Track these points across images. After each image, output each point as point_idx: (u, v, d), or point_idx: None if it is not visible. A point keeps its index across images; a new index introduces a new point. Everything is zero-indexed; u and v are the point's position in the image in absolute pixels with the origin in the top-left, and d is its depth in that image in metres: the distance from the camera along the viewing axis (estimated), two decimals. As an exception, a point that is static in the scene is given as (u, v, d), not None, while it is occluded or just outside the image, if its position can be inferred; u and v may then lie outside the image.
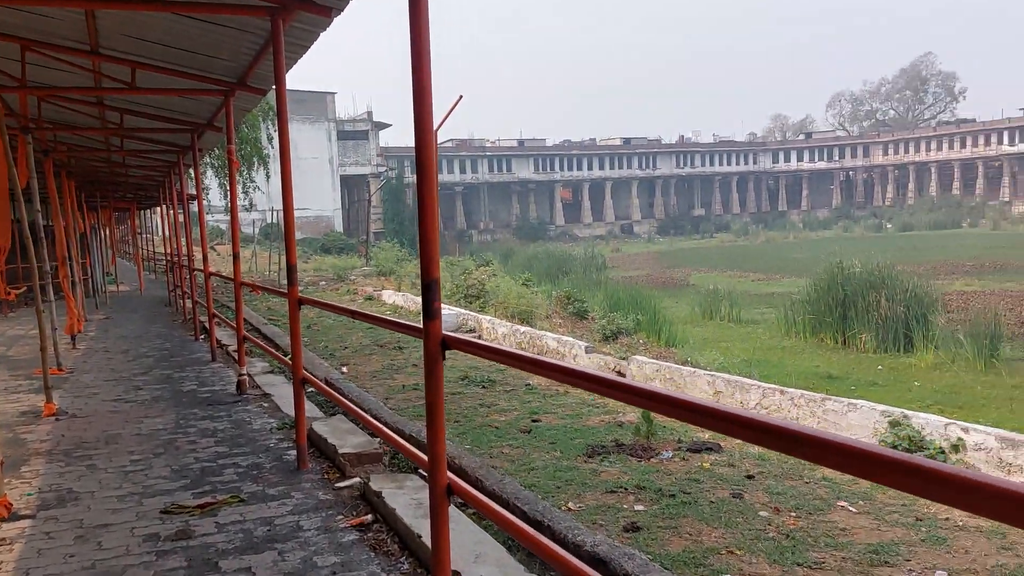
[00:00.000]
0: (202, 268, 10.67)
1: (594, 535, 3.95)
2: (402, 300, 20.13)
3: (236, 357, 8.78)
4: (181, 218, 15.02)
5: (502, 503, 4.51)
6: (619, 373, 11.10)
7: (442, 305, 2.87)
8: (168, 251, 19.47)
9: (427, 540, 3.16)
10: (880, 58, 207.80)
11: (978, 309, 16.20)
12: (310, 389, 5.94)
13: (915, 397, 11.71)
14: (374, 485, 4.58)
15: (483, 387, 8.81)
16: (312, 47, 5.82)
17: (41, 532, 4.25)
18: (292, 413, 5.79)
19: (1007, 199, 70.32)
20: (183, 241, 14.36)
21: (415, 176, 2.80)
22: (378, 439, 5.44)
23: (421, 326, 2.81)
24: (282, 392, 7.90)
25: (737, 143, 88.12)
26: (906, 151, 79.37)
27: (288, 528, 4.21)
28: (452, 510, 3.54)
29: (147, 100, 8.87)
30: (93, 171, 16.45)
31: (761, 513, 4.70)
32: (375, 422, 4.43)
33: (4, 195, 6.04)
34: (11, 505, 4.65)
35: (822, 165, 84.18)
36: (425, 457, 2.92)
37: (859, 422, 7.37)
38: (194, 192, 13.59)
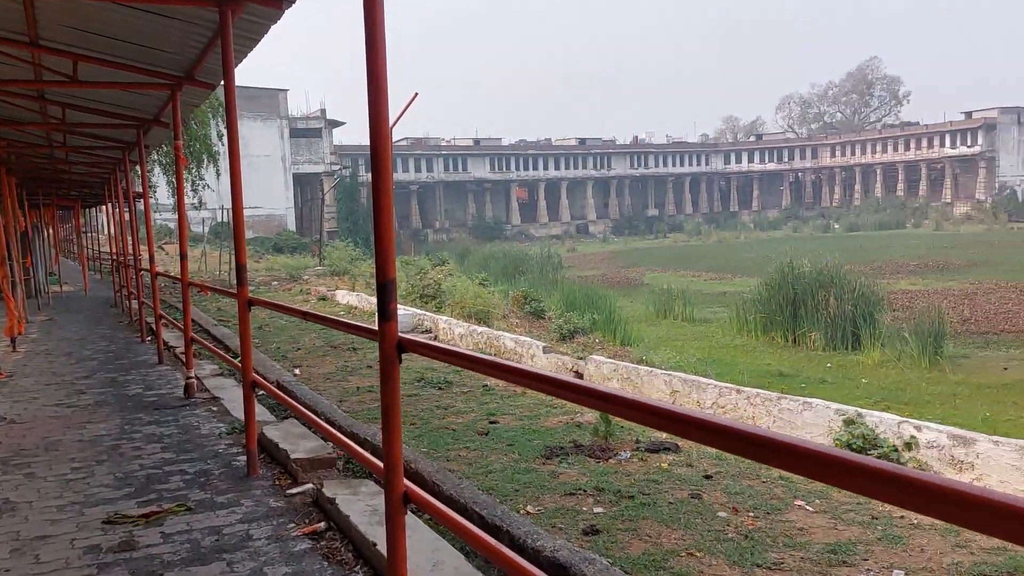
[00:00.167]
0: (149, 268, 10.38)
1: (554, 540, 3.89)
2: (356, 300, 19.88)
3: (184, 360, 8.54)
4: (127, 217, 14.61)
5: (459, 508, 4.43)
6: (577, 373, 11.09)
7: (398, 306, 2.78)
8: (114, 250, 18.94)
9: (383, 548, 3.07)
10: (827, 62, 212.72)
11: (922, 308, 16.62)
12: (261, 392, 5.79)
13: (863, 394, 11.95)
14: (327, 491, 4.46)
15: (440, 388, 8.71)
16: (263, 40, 5.65)
17: (-26, 546, 4.04)
18: (242, 417, 5.63)
19: (949, 200, 72.55)
20: (130, 240, 13.97)
21: (370, 174, 2.70)
22: (332, 443, 5.32)
23: (376, 328, 2.72)
24: (232, 395, 7.69)
25: (690, 144, 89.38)
26: (852, 153, 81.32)
27: (237, 537, 4.07)
28: (409, 516, 3.45)
29: (90, 94, 8.57)
30: (34, 168, 15.91)
31: (720, 513, 4.70)
32: (328, 427, 4.31)
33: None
34: (-58, 518, 4.42)
35: (772, 166, 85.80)
36: (381, 464, 2.82)
37: (814, 421, 7.46)
38: (141, 190, 13.23)
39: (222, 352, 7.99)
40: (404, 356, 2.70)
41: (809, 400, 7.83)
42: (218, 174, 25.90)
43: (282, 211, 57.55)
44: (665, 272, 34.88)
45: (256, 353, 10.57)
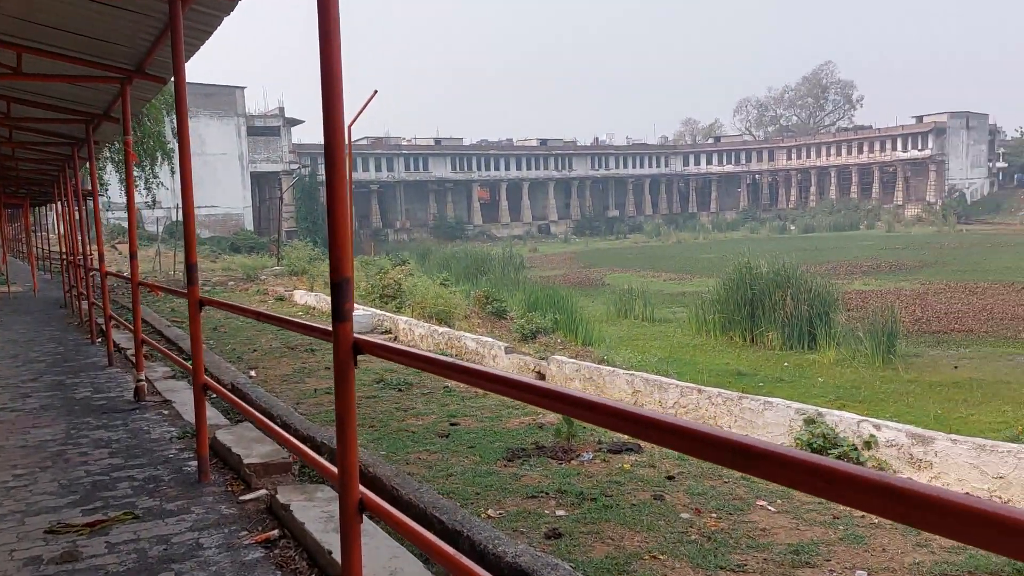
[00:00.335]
0: (99, 268, 10.08)
1: (516, 544, 3.81)
2: (315, 300, 19.59)
3: (134, 361, 8.29)
4: (78, 215, 14.19)
5: (419, 513, 4.33)
6: (539, 373, 11.04)
7: (356, 305, 2.68)
8: (64, 250, 18.40)
9: (338, 556, 2.96)
10: (782, 65, 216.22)
11: (876, 308, 16.88)
12: (215, 395, 5.62)
13: (820, 392, 12.09)
14: (281, 498, 4.33)
15: (399, 390, 8.57)
16: (217, 35, 5.50)
17: (-96, 560, 3.83)
18: (194, 421, 5.46)
19: (900, 202, 74.27)
20: (80, 239, 13.57)
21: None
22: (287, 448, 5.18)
23: (330, 329, 2.62)
24: (184, 398, 7.47)
25: (650, 146, 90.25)
26: (808, 156, 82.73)
27: (187, 547, 3.92)
28: (366, 523, 3.35)
29: (36, 87, 8.26)
30: (-22, 164, 15.38)
31: (683, 515, 4.66)
32: (282, 431, 4.19)
33: None
34: None
35: (730, 168, 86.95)
36: (336, 470, 2.72)
37: (775, 420, 7.49)
38: (91, 187, 12.84)
39: (174, 354, 7.77)
40: (361, 358, 2.60)
41: (770, 399, 7.87)
42: (172, 172, 25.32)
43: (240, 210, 56.51)
44: (626, 272, 35.07)
45: (211, 355, 10.33)
